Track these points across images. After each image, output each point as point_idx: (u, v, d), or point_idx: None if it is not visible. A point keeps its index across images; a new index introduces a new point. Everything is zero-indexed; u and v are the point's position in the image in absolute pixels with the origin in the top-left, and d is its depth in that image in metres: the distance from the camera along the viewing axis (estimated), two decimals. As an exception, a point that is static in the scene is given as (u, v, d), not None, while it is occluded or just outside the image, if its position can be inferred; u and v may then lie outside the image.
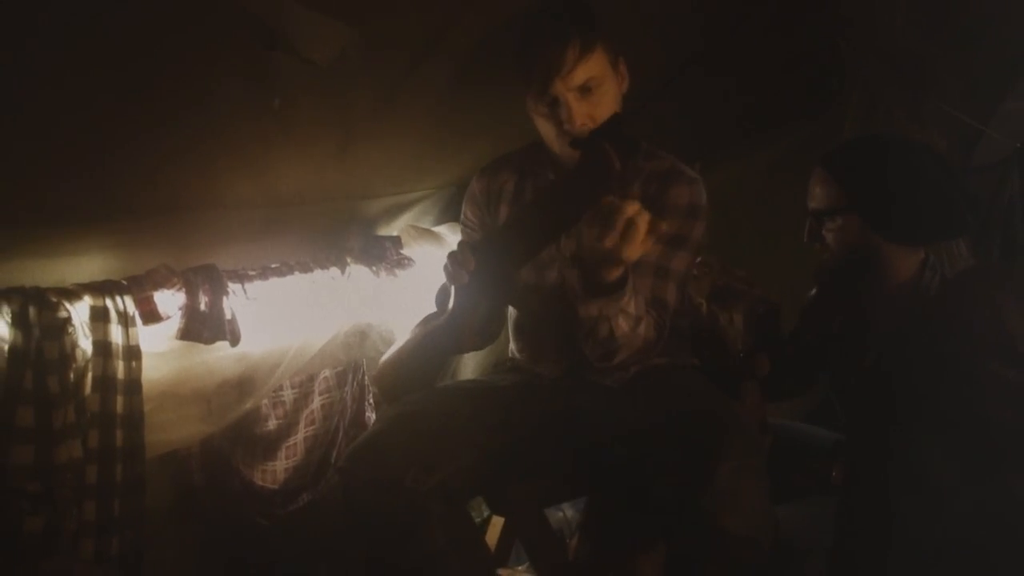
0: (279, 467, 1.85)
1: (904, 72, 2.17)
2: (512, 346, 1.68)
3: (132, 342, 1.46)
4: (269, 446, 1.84)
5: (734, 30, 2.05)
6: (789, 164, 2.64)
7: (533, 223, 1.30)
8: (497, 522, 1.79)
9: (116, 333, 1.44)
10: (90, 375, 1.39)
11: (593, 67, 1.35)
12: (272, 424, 1.85)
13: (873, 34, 2.17)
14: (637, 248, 1.16)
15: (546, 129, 1.43)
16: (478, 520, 2.04)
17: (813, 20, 2.16)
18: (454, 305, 1.39)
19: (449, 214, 2.34)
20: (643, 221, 1.14)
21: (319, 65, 1.26)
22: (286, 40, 1.20)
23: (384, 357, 1.58)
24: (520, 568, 1.89)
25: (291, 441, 1.87)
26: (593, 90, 1.36)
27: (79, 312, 1.40)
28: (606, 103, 1.38)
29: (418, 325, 1.54)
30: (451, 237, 2.21)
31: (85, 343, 1.39)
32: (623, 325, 1.29)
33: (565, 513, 2.25)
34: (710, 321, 1.77)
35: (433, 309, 1.58)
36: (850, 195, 1.51)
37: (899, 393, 1.40)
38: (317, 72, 1.30)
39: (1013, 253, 2.36)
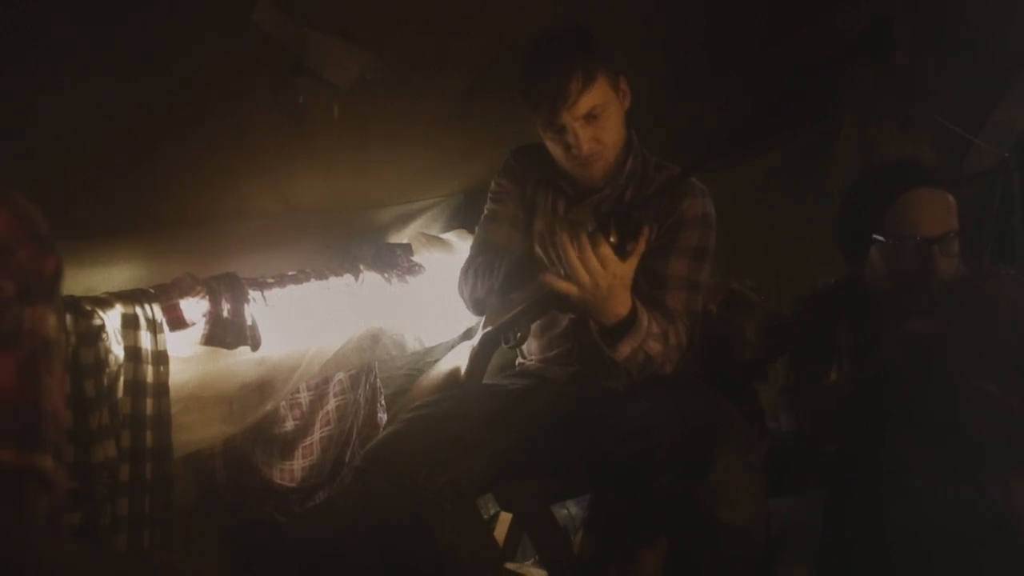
0: (296, 466, 1.92)
1: (897, 83, 2.24)
2: (522, 349, 1.75)
3: (160, 347, 1.54)
4: (287, 446, 1.91)
5: (734, 41, 2.12)
6: (786, 171, 2.72)
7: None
8: (505, 518, 1.87)
9: (145, 339, 1.51)
10: (122, 379, 1.47)
11: (596, 95, 1.41)
12: (289, 425, 1.92)
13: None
14: (607, 270, 1.21)
15: (556, 151, 1.50)
16: (487, 516, 2.11)
17: (809, 32, 2.23)
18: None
19: (457, 221, 2.41)
20: (606, 251, 1.20)
21: (340, 88, 1.34)
22: (310, 66, 1.27)
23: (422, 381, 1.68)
24: (527, 563, 1.96)
25: (307, 441, 1.95)
26: (598, 116, 1.42)
27: (111, 320, 1.47)
28: (610, 126, 1.45)
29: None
30: (459, 244, 2.28)
31: (117, 349, 1.47)
32: (655, 346, 1.36)
33: (570, 510, 2.32)
34: (719, 327, 1.82)
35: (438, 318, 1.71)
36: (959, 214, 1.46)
37: (889, 398, 1.46)
38: (337, 93, 1.37)
39: (1002, 259, 2.43)
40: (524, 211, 1.65)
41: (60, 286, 0.72)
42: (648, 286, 1.47)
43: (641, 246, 1.24)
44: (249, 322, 1.69)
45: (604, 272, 1.21)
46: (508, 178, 1.68)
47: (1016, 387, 1.36)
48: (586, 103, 1.40)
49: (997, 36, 2.24)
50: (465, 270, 1.68)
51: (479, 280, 1.61)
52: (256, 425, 1.82)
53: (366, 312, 2.01)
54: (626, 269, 1.24)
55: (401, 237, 2.24)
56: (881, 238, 1.47)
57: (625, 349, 1.34)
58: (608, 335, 1.34)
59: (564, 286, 1.25)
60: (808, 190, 2.36)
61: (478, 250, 1.70)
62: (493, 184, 1.71)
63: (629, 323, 1.31)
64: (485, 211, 1.72)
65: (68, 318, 1.39)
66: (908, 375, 1.43)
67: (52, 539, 0.64)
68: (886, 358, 1.46)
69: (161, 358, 1.54)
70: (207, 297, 1.63)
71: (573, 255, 1.21)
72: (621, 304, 1.28)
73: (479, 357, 1.59)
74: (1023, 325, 1.38)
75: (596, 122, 1.43)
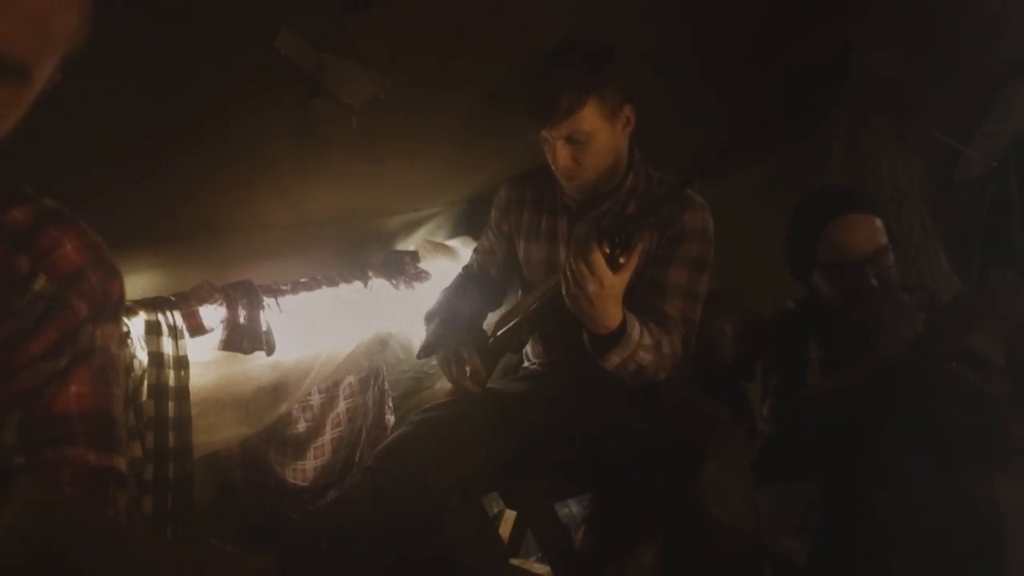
0: (308, 466, 2.00)
1: (889, 96, 2.30)
2: (526, 352, 1.82)
3: (181, 353, 1.61)
4: (299, 446, 1.98)
5: (732, 56, 2.18)
6: (781, 180, 2.78)
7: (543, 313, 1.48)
8: (510, 516, 1.93)
9: (167, 345, 1.59)
10: (146, 383, 1.55)
11: (579, 122, 1.43)
12: (302, 426, 1.99)
13: (860, 61, 2.30)
14: (594, 275, 1.27)
15: (547, 160, 1.55)
16: (492, 514, 2.17)
17: (804, 46, 2.30)
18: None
19: (461, 228, 2.48)
20: (596, 258, 1.26)
21: (354, 108, 1.41)
22: (327, 88, 1.34)
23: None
24: (531, 559, 2.03)
25: (319, 442, 2.02)
26: (581, 141, 1.45)
27: (135, 326, 1.55)
28: (593, 151, 1.47)
29: None
30: (464, 250, 2.35)
31: (142, 354, 1.54)
32: (646, 357, 1.40)
33: (571, 509, 2.39)
34: (701, 330, 1.89)
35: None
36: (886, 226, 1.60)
37: (876, 396, 1.53)
38: (352, 113, 1.44)
39: (997, 264, 2.49)
40: (518, 237, 1.72)
41: (123, 306, 0.79)
42: (648, 294, 1.53)
43: (633, 261, 1.29)
44: (264, 328, 1.76)
45: (591, 277, 1.26)
46: (497, 211, 1.76)
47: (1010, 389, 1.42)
48: (567, 127, 1.43)
49: (986, 50, 2.30)
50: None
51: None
52: (270, 426, 1.89)
53: (375, 317, 2.08)
54: (615, 281, 1.29)
55: (408, 244, 2.31)
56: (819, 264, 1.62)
57: (614, 360, 1.39)
58: (597, 345, 1.39)
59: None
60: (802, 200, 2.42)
61: (462, 272, 1.86)
62: (490, 219, 1.81)
63: (618, 336, 1.36)
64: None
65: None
66: (897, 373, 1.50)
67: (131, 528, 0.71)
68: (873, 368, 1.54)
69: (182, 363, 1.61)
70: (224, 304, 1.70)
71: (568, 260, 1.29)
72: (610, 317, 1.33)
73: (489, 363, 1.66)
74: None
75: (578, 145, 1.46)
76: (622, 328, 1.36)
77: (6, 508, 0.57)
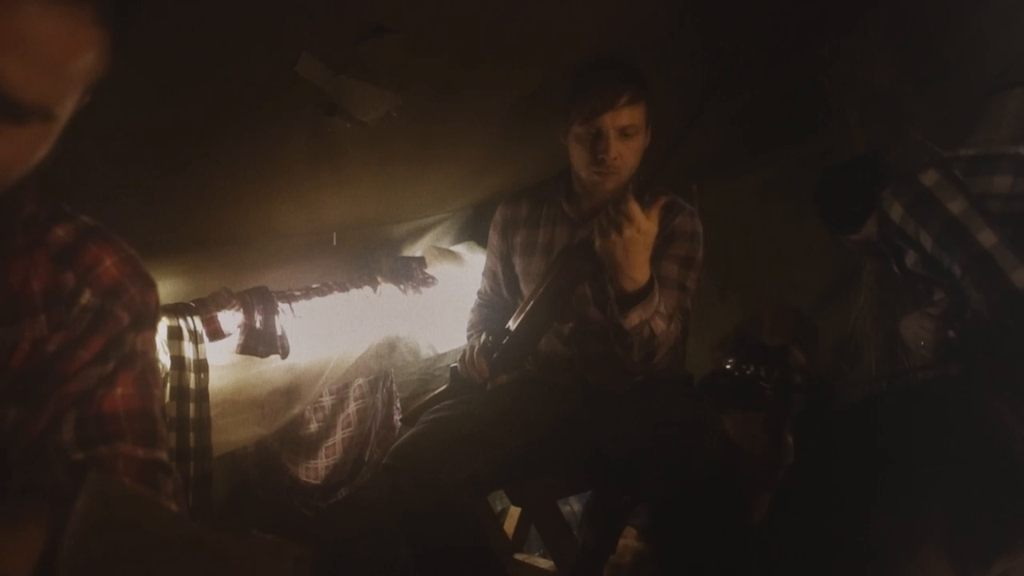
0: (320, 465, 2.06)
1: (882, 107, 2.37)
2: (530, 359, 1.88)
3: (201, 356, 1.68)
4: (311, 446, 2.05)
5: (735, 65, 2.24)
6: (780, 185, 2.85)
7: (543, 308, 1.58)
8: (514, 513, 2.00)
9: (188, 349, 1.65)
10: (168, 386, 1.61)
11: (636, 115, 1.53)
12: (314, 427, 2.06)
13: (854, 72, 2.37)
14: (632, 222, 1.39)
15: (580, 156, 1.59)
16: (496, 511, 2.24)
17: (801, 57, 2.36)
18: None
19: (466, 233, 2.54)
20: (632, 205, 1.39)
21: (368, 125, 1.47)
22: (343, 107, 1.41)
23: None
24: (535, 555, 2.09)
25: (330, 442, 2.09)
26: (630, 136, 1.54)
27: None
28: (635, 149, 1.57)
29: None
30: (469, 256, 2.42)
31: (164, 358, 1.61)
32: (661, 324, 1.49)
33: (572, 507, 2.46)
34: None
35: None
36: None
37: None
38: (366, 129, 1.51)
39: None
40: (515, 254, 1.80)
41: (159, 314, 0.86)
42: None
43: (655, 214, 1.43)
44: (279, 332, 1.83)
45: (628, 222, 1.39)
46: (495, 232, 1.85)
47: None
48: (627, 116, 1.52)
49: (975, 61, 2.37)
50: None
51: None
52: (284, 427, 1.96)
53: (383, 321, 2.15)
54: (650, 227, 1.41)
55: (415, 250, 2.38)
56: None
57: (635, 318, 1.46)
58: (623, 301, 1.46)
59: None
60: (800, 205, 2.49)
61: (478, 299, 1.96)
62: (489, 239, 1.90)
63: (644, 292, 1.45)
64: None
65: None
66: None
67: (184, 518, 0.78)
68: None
69: (202, 366, 1.68)
70: (241, 310, 1.77)
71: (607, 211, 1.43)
72: (640, 268, 1.43)
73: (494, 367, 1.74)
74: None
75: (626, 140, 1.55)
76: (651, 283, 1.45)
77: (78, 502, 0.65)
